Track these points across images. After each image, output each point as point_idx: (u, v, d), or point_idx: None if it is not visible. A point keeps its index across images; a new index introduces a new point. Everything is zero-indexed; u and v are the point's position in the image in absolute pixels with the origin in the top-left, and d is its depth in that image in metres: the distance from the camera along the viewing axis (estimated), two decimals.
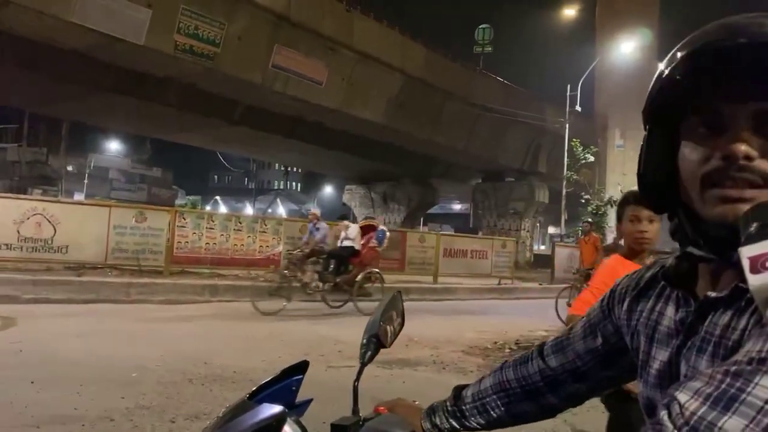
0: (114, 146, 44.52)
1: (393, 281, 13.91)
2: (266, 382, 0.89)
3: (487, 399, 0.98)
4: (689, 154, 0.69)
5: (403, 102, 22.80)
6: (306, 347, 6.39)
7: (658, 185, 0.74)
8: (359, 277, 9.72)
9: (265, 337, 7.00)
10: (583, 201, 20.03)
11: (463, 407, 1.00)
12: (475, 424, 0.99)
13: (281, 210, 51.00)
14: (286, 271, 9.55)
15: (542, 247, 45.14)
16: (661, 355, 0.74)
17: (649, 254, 2.28)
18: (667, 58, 0.71)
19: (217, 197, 58.95)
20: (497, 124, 26.19)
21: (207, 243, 12.50)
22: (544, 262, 25.43)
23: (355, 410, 0.98)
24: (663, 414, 0.53)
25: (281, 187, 64.54)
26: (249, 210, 49.68)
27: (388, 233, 10.76)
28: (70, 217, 11.09)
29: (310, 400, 0.94)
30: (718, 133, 0.67)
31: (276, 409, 0.72)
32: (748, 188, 0.64)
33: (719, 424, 0.48)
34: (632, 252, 2.29)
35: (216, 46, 17.08)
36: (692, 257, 0.71)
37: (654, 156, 0.74)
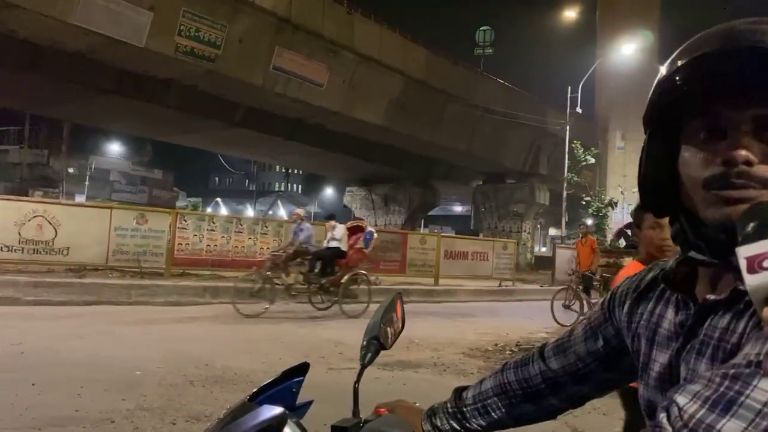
0: (115, 148, 44.54)
1: (394, 283, 13.94)
2: (267, 384, 0.89)
3: (488, 400, 0.98)
4: (690, 158, 0.69)
5: (404, 104, 22.81)
6: (306, 349, 6.39)
7: (659, 189, 0.74)
8: (345, 278, 9.46)
9: (265, 339, 7.00)
10: (584, 203, 20.03)
11: (464, 409, 1.00)
12: (476, 426, 0.99)
13: (282, 212, 50.96)
14: (268, 273, 9.25)
15: (543, 249, 45.14)
16: (661, 358, 0.74)
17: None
18: (667, 63, 0.71)
19: (218, 199, 58.94)
20: (498, 126, 26.19)
21: (208, 245, 12.51)
22: (545, 263, 25.44)
23: (356, 412, 0.98)
24: (662, 416, 0.53)
25: (282, 189, 64.48)
26: (250, 212, 49.72)
27: (375, 235, 10.53)
28: (71, 219, 11.09)
29: (311, 402, 0.94)
30: (719, 138, 0.67)
31: (277, 410, 0.73)
32: (749, 190, 0.64)
33: (718, 427, 0.49)
34: (651, 258, 2.27)
35: (217, 48, 17.10)
36: (693, 261, 0.71)
37: (655, 160, 0.74)
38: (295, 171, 59.04)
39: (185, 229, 12.27)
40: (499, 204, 31.97)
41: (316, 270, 9.52)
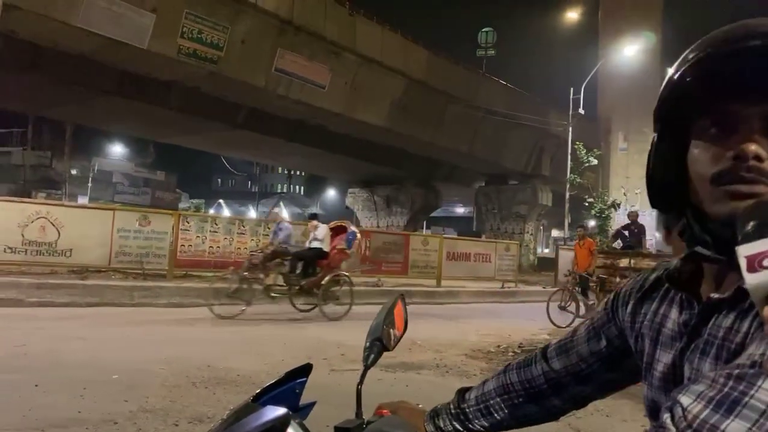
0: (118, 150, 44.60)
1: (396, 284, 13.93)
2: (270, 385, 0.89)
3: (491, 401, 0.98)
4: (699, 154, 0.70)
5: (405, 105, 22.82)
6: (309, 351, 6.39)
7: (666, 186, 0.74)
8: (325, 280, 9.19)
9: (268, 341, 7.00)
10: (587, 204, 20.00)
11: (467, 410, 1.00)
12: (479, 427, 0.99)
13: (285, 213, 51.07)
14: (246, 273, 8.93)
15: (546, 251, 45.08)
16: (665, 358, 0.74)
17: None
18: (679, 60, 0.72)
19: (221, 201, 59.03)
20: (500, 127, 26.18)
21: (210, 246, 12.51)
22: (548, 265, 25.41)
23: (359, 413, 0.98)
24: (666, 417, 0.53)
25: (284, 190, 64.57)
26: (252, 213, 49.75)
27: (359, 236, 10.23)
28: (74, 221, 11.11)
29: (314, 403, 0.94)
30: (729, 134, 0.67)
31: (280, 411, 0.73)
32: (759, 185, 0.64)
33: (721, 428, 0.48)
34: None
35: (219, 50, 17.13)
36: (698, 257, 0.71)
37: (663, 157, 0.74)
38: (298, 172, 59.16)
39: (188, 230, 12.28)
40: (502, 205, 31.95)
41: (298, 271, 9.25)
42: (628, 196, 20.18)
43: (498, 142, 27.41)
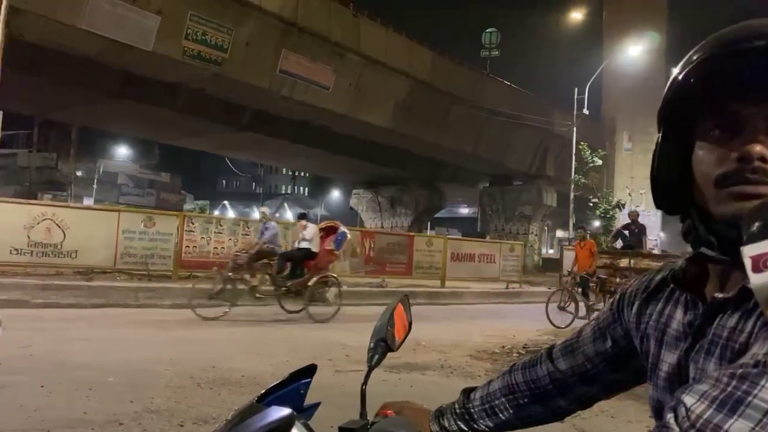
0: (123, 151, 44.78)
1: (400, 285, 13.93)
2: (275, 386, 0.89)
3: (496, 401, 0.98)
4: (704, 155, 0.69)
5: (410, 106, 22.83)
6: (313, 352, 6.39)
7: (671, 187, 0.74)
8: (312, 281, 8.96)
9: (272, 342, 7.02)
10: (591, 204, 19.97)
11: (472, 410, 1.00)
12: (484, 427, 0.99)
13: (289, 214, 51.09)
14: (229, 273, 8.74)
15: (550, 251, 45.03)
16: (670, 358, 0.74)
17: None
18: (683, 61, 0.72)
19: (225, 202, 59.17)
20: (505, 127, 26.16)
21: (215, 247, 12.54)
22: (553, 265, 25.38)
23: (363, 413, 0.98)
24: (669, 417, 0.53)
25: (289, 191, 64.70)
26: (257, 214, 49.82)
27: (348, 236, 9.98)
28: (80, 222, 11.15)
29: (318, 404, 0.94)
30: (734, 135, 0.67)
31: (284, 411, 0.73)
32: (763, 186, 0.64)
33: (725, 427, 0.48)
34: None
35: (224, 52, 17.18)
36: (703, 258, 0.71)
37: (667, 158, 0.74)
38: (302, 174, 59.26)
39: (192, 231, 12.32)
40: (506, 206, 31.93)
41: (286, 272, 9.06)
42: (633, 196, 20.17)
43: (502, 143, 27.39)
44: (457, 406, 1.02)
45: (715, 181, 0.67)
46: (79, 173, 36.97)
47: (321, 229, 9.65)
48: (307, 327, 8.44)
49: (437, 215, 41.22)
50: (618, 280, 10.55)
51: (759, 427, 0.47)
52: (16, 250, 10.37)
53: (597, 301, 10.42)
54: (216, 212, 45.97)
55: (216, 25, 16.85)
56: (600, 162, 20.90)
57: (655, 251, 22.29)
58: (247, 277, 8.88)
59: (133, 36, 15.24)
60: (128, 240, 11.50)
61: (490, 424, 0.99)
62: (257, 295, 8.96)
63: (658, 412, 0.76)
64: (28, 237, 10.44)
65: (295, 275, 9.08)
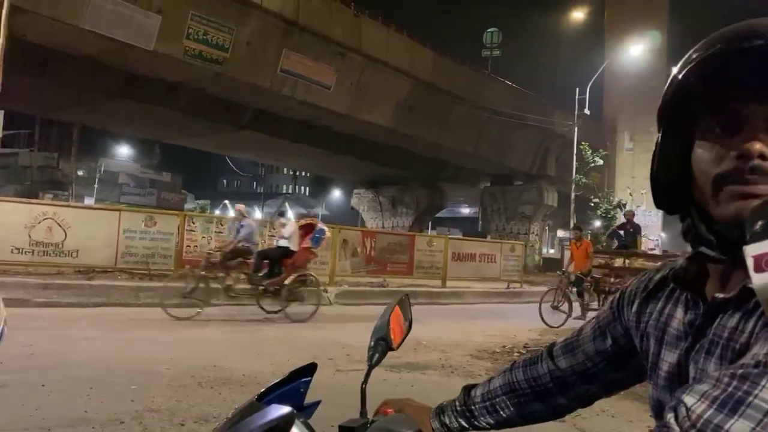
0: (124, 151, 44.81)
1: (401, 285, 13.93)
2: (275, 384, 0.89)
3: (497, 399, 0.99)
4: (703, 154, 0.69)
5: (411, 106, 22.82)
6: (314, 351, 6.39)
7: (671, 186, 0.74)
8: (289, 280, 8.74)
9: (273, 341, 7.02)
10: (592, 204, 19.97)
11: (472, 407, 1.00)
12: (484, 424, 0.99)
13: (290, 214, 51.12)
14: (203, 272, 8.50)
15: (551, 251, 45.01)
16: (670, 357, 0.74)
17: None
18: (683, 60, 0.71)
19: (226, 201, 59.07)
20: (506, 127, 26.15)
21: (216, 247, 12.52)
22: (553, 265, 25.35)
23: (363, 412, 0.98)
24: (670, 417, 0.53)
25: (290, 191, 64.69)
26: (258, 214, 49.83)
27: (327, 234, 9.74)
28: (81, 222, 11.16)
29: (318, 402, 0.95)
30: (733, 134, 0.67)
31: (285, 410, 0.73)
32: (762, 185, 0.64)
33: (725, 427, 0.48)
34: None
35: (225, 51, 17.18)
36: (703, 257, 0.71)
37: (667, 157, 0.74)
38: (303, 173, 59.26)
39: (193, 231, 12.32)
40: (507, 206, 31.91)
41: (264, 271, 8.84)
42: (634, 196, 20.17)
43: (503, 143, 27.38)
44: (457, 403, 1.02)
45: (714, 180, 0.67)
46: (80, 173, 37.03)
47: (300, 227, 9.41)
48: (307, 327, 8.44)
49: (438, 215, 41.21)
50: (613, 279, 10.56)
51: (760, 427, 0.47)
52: (18, 249, 10.38)
53: (591, 300, 10.41)
54: (217, 212, 45.93)
55: (217, 24, 16.86)
56: (601, 162, 20.90)
57: (656, 251, 22.31)
58: (221, 275, 8.66)
59: (135, 35, 15.25)
60: (129, 239, 11.51)
61: (491, 421, 0.99)
62: (231, 295, 8.72)
63: (658, 412, 0.76)
64: (29, 236, 10.45)
65: (272, 274, 8.85)
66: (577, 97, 23.39)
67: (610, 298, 0.95)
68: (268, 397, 0.87)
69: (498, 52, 43.44)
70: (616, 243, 12.12)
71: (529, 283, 18.61)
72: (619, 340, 0.88)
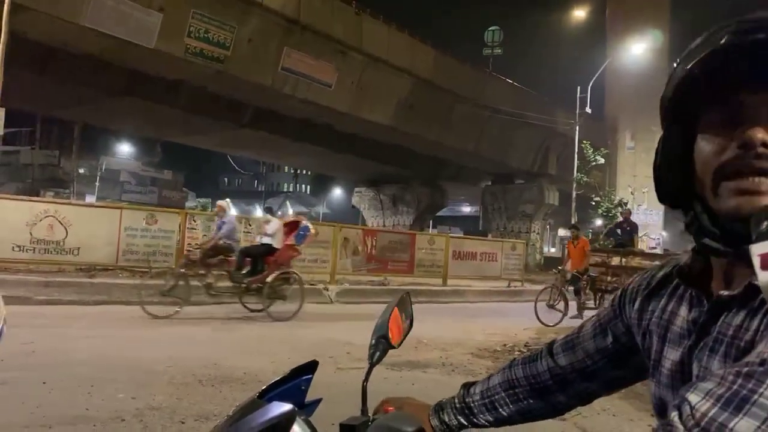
0: (125, 149, 44.82)
1: (402, 283, 13.93)
2: (276, 381, 0.89)
3: (496, 396, 0.98)
4: (705, 146, 0.69)
5: (412, 104, 22.81)
6: (315, 349, 6.39)
7: (674, 181, 0.74)
8: (270, 278, 8.57)
9: (274, 340, 7.02)
10: (594, 203, 19.96)
11: (472, 404, 1.00)
12: (484, 421, 0.99)
13: (291, 212, 51.13)
14: (182, 270, 8.37)
15: (552, 250, 45.02)
16: (673, 355, 0.74)
17: None
18: (685, 53, 0.71)
19: (227, 200, 59.13)
20: (507, 126, 26.13)
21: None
22: (554, 264, 25.30)
23: (364, 410, 0.98)
24: (674, 415, 0.53)
25: (291, 189, 64.70)
26: (259, 212, 49.87)
27: (312, 231, 9.60)
28: (82, 219, 11.17)
29: (320, 400, 0.94)
30: (735, 125, 0.66)
31: (285, 407, 0.72)
32: (765, 179, 0.64)
33: (730, 426, 0.48)
34: None
35: (226, 49, 17.17)
36: (707, 250, 0.70)
37: (671, 151, 0.74)
38: (304, 172, 59.21)
39: (194, 229, 12.32)
40: (508, 204, 31.90)
41: (247, 269, 8.70)
42: (636, 195, 20.14)
43: (504, 141, 27.36)
44: (457, 400, 1.02)
45: (714, 172, 0.67)
46: (81, 170, 37.06)
47: (285, 224, 9.31)
48: (308, 325, 8.44)
49: (439, 214, 41.21)
50: (609, 278, 10.56)
51: (765, 425, 0.47)
52: (19, 247, 10.38)
53: (587, 299, 10.40)
54: None
55: (218, 22, 16.85)
56: (602, 160, 20.88)
57: (658, 250, 22.31)
58: (201, 273, 8.52)
59: (135, 33, 15.24)
60: (130, 237, 11.51)
61: (490, 419, 0.98)
62: (212, 293, 8.59)
63: (660, 410, 0.76)
64: (31, 234, 10.46)
65: (255, 272, 8.71)
66: (578, 95, 23.36)
67: (611, 296, 0.94)
68: (269, 394, 0.87)
69: (499, 51, 43.37)
70: (612, 241, 12.13)
71: (530, 282, 18.60)
72: (620, 338, 0.88)
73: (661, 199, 0.76)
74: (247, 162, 56.70)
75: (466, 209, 56.54)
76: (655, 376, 0.77)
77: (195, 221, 12.56)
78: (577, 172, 21.60)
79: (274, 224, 9.14)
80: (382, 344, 1.03)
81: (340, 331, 7.75)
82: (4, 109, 11.80)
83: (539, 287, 17.42)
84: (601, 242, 13.92)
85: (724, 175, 0.66)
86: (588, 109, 23.52)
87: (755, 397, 0.49)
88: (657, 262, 0.89)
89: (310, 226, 9.69)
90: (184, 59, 16.58)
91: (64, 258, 10.83)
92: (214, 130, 22.74)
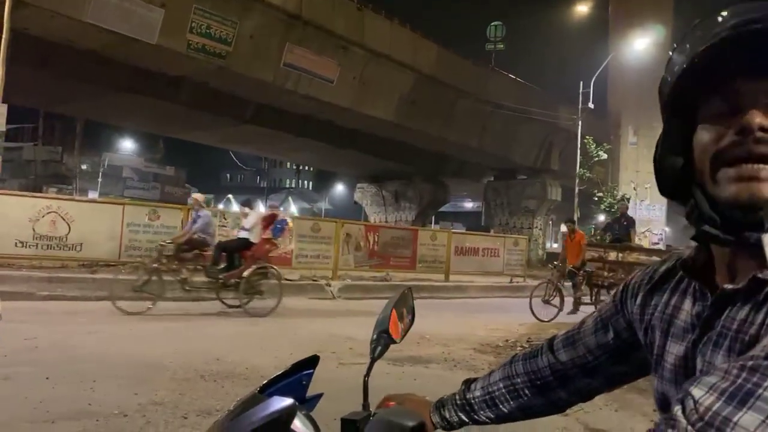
0: (128, 145, 44.89)
1: (404, 279, 13.94)
2: (277, 376, 0.89)
3: (497, 392, 0.98)
4: (704, 135, 0.69)
5: (414, 100, 22.76)
6: (317, 345, 6.40)
7: (674, 172, 0.73)
8: (247, 272, 8.41)
9: (276, 335, 7.03)
10: (596, 199, 19.92)
11: (472, 401, 0.99)
12: (484, 418, 0.98)
13: (293, 208, 51.11)
14: (155, 265, 8.18)
15: (554, 245, 44.90)
16: (676, 350, 0.73)
17: None
18: (683, 45, 0.70)
19: (230, 195, 59.17)
20: (509, 121, 26.08)
21: (219, 241, 12.54)
22: (556, 260, 25.32)
23: (365, 405, 0.98)
24: (677, 409, 0.52)
25: (293, 185, 64.77)
26: (261, 208, 49.90)
27: (289, 224, 9.47)
28: (85, 215, 11.18)
29: (321, 395, 0.94)
30: (734, 112, 0.66)
31: (286, 402, 0.72)
32: (763, 165, 0.63)
33: (734, 420, 0.48)
34: None
35: (228, 45, 17.15)
36: (707, 237, 0.69)
37: (671, 142, 0.74)
38: (306, 168, 59.28)
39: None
40: (511, 200, 31.87)
41: (223, 264, 8.55)
42: (638, 190, 20.08)
43: (507, 137, 27.31)
44: (457, 396, 1.01)
45: (713, 158, 0.67)
46: (84, 167, 37.12)
47: (263, 218, 9.20)
48: (310, 320, 8.45)
49: (441, 209, 41.18)
50: (606, 273, 10.54)
51: None
52: (22, 242, 10.40)
53: (582, 294, 10.39)
54: (220, 206, 46.03)
55: (220, 18, 16.82)
56: (605, 156, 20.84)
57: (660, 246, 22.26)
58: (175, 268, 8.35)
59: (137, 29, 15.23)
60: (133, 233, 11.52)
61: (491, 415, 0.98)
62: (187, 288, 8.44)
63: (663, 405, 0.75)
64: (33, 230, 10.47)
65: (232, 267, 8.58)
66: (581, 90, 23.28)
67: (612, 291, 0.94)
68: (270, 389, 0.87)
69: (502, 46, 43.16)
70: (610, 236, 12.11)
71: (533, 278, 18.58)
72: (622, 333, 0.88)
73: (662, 190, 0.76)
74: (249, 158, 56.71)
75: (469, 205, 56.51)
76: (658, 371, 0.76)
77: None
78: (580, 167, 21.55)
79: (252, 218, 9.02)
80: (383, 339, 1.03)
81: (342, 326, 7.75)
82: (6, 105, 11.81)
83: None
84: (599, 237, 13.89)
85: (722, 161, 0.66)
86: (591, 105, 23.45)
87: (760, 390, 0.48)
88: (654, 258, 0.89)
89: (288, 220, 9.65)
90: (186, 55, 16.56)
91: (67, 254, 10.84)
92: (216, 126, 22.74)
